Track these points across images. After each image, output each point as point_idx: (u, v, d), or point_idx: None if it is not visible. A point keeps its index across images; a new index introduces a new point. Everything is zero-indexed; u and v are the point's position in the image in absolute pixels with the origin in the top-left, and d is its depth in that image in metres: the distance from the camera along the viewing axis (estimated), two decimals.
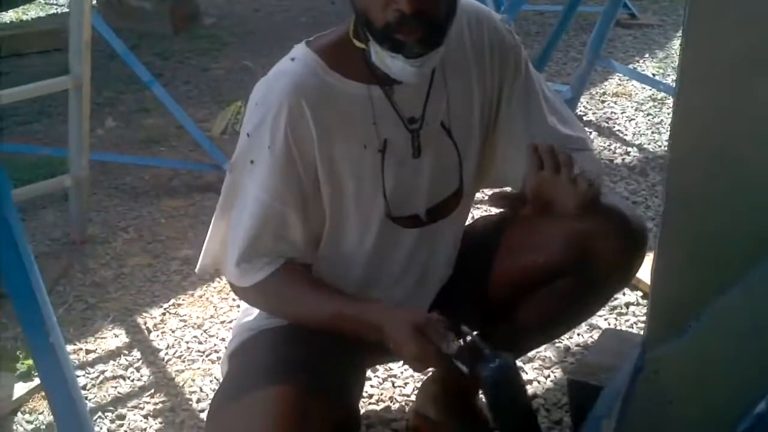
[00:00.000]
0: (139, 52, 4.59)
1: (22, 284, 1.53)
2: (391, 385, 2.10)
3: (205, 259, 1.61)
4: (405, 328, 1.38)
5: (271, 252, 1.49)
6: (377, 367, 2.14)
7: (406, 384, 2.08)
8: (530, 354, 2.13)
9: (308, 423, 1.36)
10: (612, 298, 1.64)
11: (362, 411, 2.00)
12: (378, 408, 2.02)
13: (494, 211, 1.81)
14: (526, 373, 2.07)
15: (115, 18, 4.86)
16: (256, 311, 1.61)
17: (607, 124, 3.59)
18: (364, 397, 2.05)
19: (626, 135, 3.49)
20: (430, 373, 1.90)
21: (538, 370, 2.09)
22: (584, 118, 3.63)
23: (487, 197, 1.61)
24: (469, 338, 1.39)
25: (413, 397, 1.99)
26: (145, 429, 2.06)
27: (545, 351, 2.15)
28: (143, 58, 4.37)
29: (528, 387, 2.03)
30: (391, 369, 2.15)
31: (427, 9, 1.35)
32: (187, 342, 2.37)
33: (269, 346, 1.52)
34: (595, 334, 2.18)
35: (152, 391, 2.19)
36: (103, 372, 2.28)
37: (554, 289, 1.60)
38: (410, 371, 2.12)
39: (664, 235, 1.05)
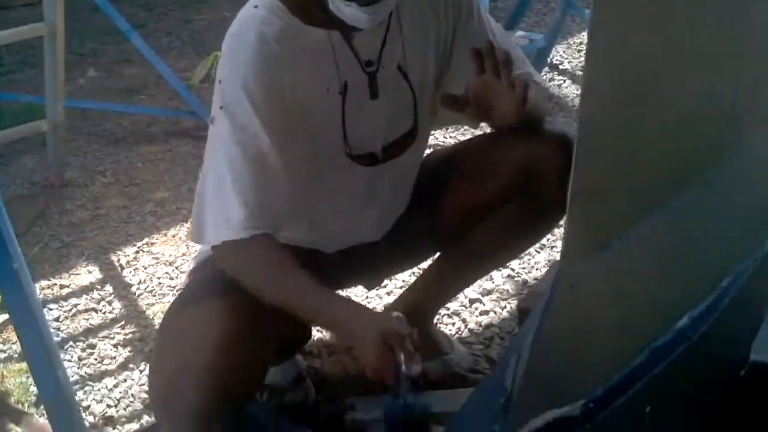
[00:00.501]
0: (123, 4, 4.60)
1: None
2: None
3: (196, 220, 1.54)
4: (373, 335, 1.34)
5: (256, 201, 1.44)
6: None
7: None
8: (489, 286, 2.20)
9: (254, 334, 1.41)
10: (559, 221, 1.69)
11: (327, 337, 2.07)
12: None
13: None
14: (484, 305, 2.14)
15: None
16: None
17: (581, 73, 3.62)
18: None
19: None
20: (392, 302, 1.96)
21: (495, 302, 2.15)
22: (560, 67, 3.67)
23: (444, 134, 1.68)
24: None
25: None
26: (114, 357, 2.13)
27: (504, 284, 2.21)
28: (127, 9, 4.40)
29: (485, 318, 2.10)
30: (358, 297, 2.21)
31: None
32: (159, 278, 2.43)
33: None
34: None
35: (123, 322, 2.26)
36: (75, 305, 2.35)
37: (503, 213, 1.65)
38: (378, 301, 2.19)
39: (580, 150, 1.07)
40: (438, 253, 1.83)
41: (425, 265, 1.93)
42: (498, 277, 2.22)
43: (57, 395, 1.64)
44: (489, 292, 2.18)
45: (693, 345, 1.26)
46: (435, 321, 2.03)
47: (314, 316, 1.46)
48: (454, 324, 2.08)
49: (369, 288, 2.07)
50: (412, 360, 1.32)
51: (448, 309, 2.11)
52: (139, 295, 2.37)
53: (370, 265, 1.76)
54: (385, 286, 2.21)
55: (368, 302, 2.20)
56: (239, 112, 1.44)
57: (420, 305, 1.87)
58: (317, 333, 2.09)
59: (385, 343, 1.33)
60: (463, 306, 2.13)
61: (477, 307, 2.13)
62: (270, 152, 1.45)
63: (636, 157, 1.14)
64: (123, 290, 2.40)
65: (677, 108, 1.17)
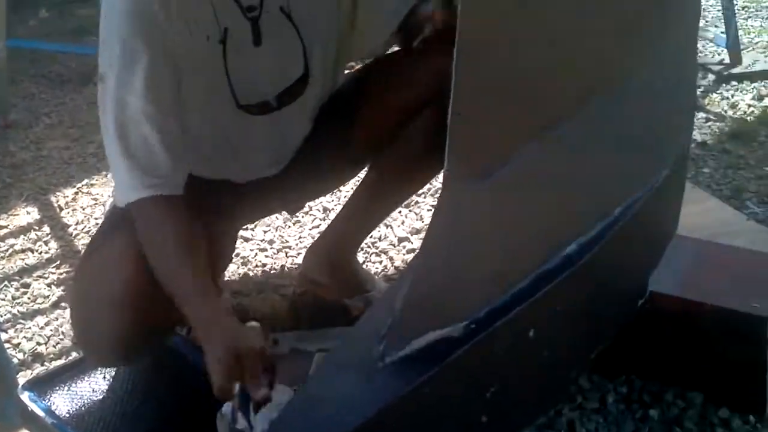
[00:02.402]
0: None
1: None
2: (285, 255, 2.18)
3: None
4: (221, 350, 1.28)
5: (141, 162, 1.44)
6: (273, 239, 2.23)
7: (299, 254, 2.16)
8: (418, 225, 2.22)
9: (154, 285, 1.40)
10: None
11: (255, 278, 2.09)
12: (270, 275, 2.11)
13: None
14: (412, 243, 2.16)
15: None
16: None
17: None
18: (258, 266, 2.14)
19: None
20: (317, 238, 1.98)
21: None
22: None
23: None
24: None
25: None
26: (47, 296, 2.14)
27: None
28: None
29: (411, 256, 2.12)
30: (287, 241, 2.23)
31: None
32: (96, 219, 2.44)
33: None
34: None
35: (58, 262, 2.27)
36: (12, 246, 2.35)
37: (416, 127, 1.64)
38: (304, 243, 2.21)
39: (460, 66, 1.05)
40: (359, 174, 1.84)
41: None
42: (428, 217, 2.25)
43: None
44: (418, 231, 2.20)
45: (580, 271, 1.29)
46: (362, 260, 2.06)
47: (180, 305, 1.38)
48: (381, 262, 2.10)
49: (291, 213, 2.05)
50: (258, 381, 1.25)
51: (377, 248, 2.13)
52: (75, 236, 2.38)
53: (284, 191, 1.75)
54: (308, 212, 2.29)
55: (297, 243, 2.22)
56: (119, 69, 1.42)
57: (343, 241, 1.88)
58: (248, 271, 2.11)
59: (234, 360, 1.26)
60: (391, 244, 2.15)
61: (405, 245, 2.15)
62: (151, 107, 1.42)
63: (523, 75, 1.13)
64: (60, 231, 2.41)
65: (566, 23, 1.17)
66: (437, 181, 1.82)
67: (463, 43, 1.03)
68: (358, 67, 1.86)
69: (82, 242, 2.33)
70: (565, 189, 1.27)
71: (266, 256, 2.18)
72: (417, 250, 2.11)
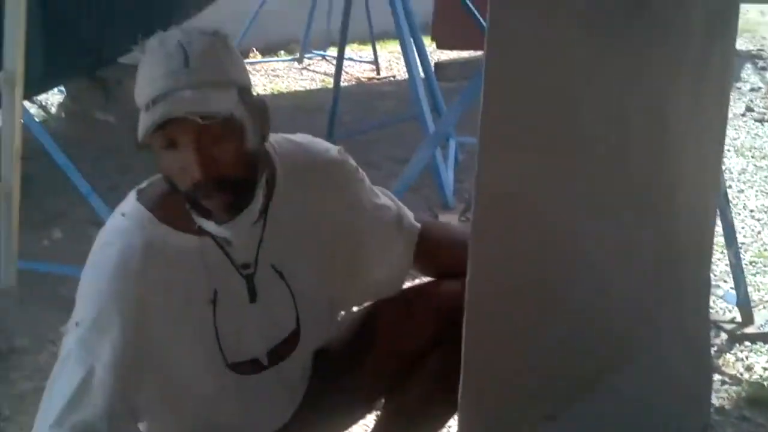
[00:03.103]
0: (101, 166, 4.70)
1: None
2: None
3: None
4: None
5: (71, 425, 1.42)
6: None
7: None
8: None
9: None
10: None
11: None
12: None
13: None
14: None
15: (81, 130, 4.98)
16: None
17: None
18: None
19: None
20: None
21: None
22: None
23: None
24: None
25: None
26: None
27: None
28: (104, 171, 4.49)
29: None
30: None
31: (221, 173, 1.38)
32: None
33: None
34: None
35: None
36: None
37: (429, 366, 1.60)
38: None
39: (469, 350, 1.05)
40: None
41: None
42: None
43: None
44: None
45: None
46: None
47: None
48: None
49: None
50: None
51: None
52: None
53: None
54: None
55: None
56: (90, 332, 1.43)
57: None
58: None
59: None
60: None
61: None
62: (109, 378, 1.41)
63: (530, 361, 1.13)
64: None
65: (577, 306, 1.17)
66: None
67: (470, 333, 1.03)
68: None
69: None
70: None
71: None
72: None
